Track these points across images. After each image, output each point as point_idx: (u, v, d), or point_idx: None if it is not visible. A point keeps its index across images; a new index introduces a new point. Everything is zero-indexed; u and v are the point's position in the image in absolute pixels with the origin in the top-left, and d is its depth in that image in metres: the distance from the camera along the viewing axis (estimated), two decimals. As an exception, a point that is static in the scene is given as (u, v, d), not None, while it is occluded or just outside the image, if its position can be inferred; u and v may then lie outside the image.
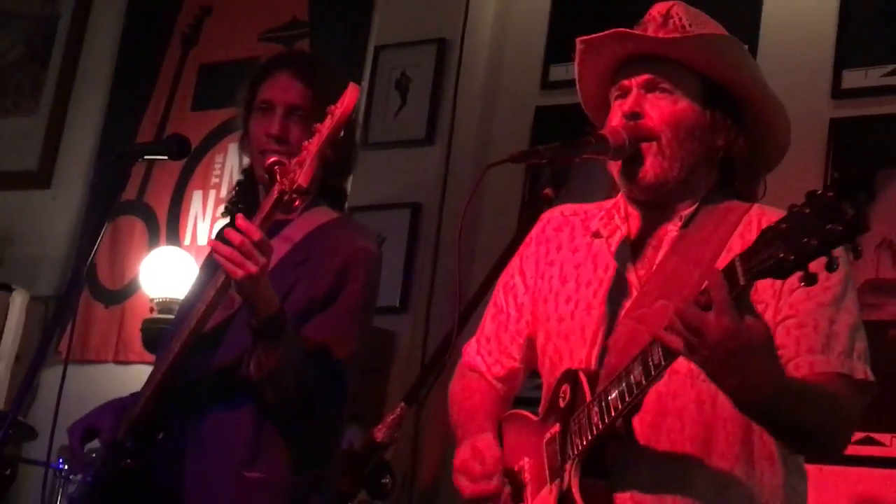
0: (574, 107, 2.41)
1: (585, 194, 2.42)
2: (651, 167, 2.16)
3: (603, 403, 1.99)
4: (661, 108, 2.19)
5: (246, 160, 3.10)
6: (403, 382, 4.06)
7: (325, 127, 2.53)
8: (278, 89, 2.92)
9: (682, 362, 1.99)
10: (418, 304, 4.20)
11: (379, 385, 3.96)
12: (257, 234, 2.50)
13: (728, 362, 1.83)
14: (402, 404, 2.01)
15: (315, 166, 2.54)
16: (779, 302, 2.08)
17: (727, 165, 2.22)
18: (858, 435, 3.37)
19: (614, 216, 2.28)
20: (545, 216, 2.38)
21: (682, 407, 2.04)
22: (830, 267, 1.69)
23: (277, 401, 2.68)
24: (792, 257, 1.70)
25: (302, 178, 2.50)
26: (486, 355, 2.40)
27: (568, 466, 2.05)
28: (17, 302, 5.38)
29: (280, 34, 5.03)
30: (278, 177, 2.54)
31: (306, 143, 2.54)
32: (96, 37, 5.79)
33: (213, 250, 2.57)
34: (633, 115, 2.18)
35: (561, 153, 2.15)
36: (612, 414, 1.97)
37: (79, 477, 3.26)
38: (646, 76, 2.22)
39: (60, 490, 3.68)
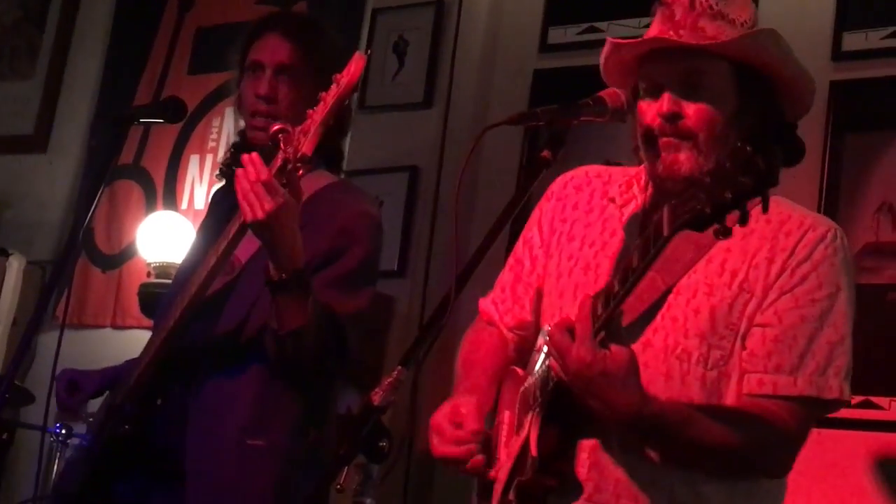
0: (573, 70, 2.42)
1: (586, 158, 2.43)
2: (686, 160, 2.12)
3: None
4: (699, 109, 2.15)
5: (242, 123, 3.10)
6: (402, 346, 4.06)
7: (331, 96, 2.52)
8: (267, 50, 2.93)
9: (658, 337, 2.07)
10: (416, 268, 4.21)
11: (377, 349, 3.97)
12: (266, 174, 2.50)
13: (586, 387, 1.95)
14: (400, 367, 2.01)
15: (319, 135, 2.52)
16: (765, 299, 2.08)
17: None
18: (857, 399, 3.37)
19: (633, 185, 2.27)
20: (568, 177, 2.39)
21: (651, 379, 2.03)
22: (742, 221, 1.73)
23: (296, 358, 2.68)
24: (708, 210, 1.74)
25: (306, 146, 2.50)
26: (499, 304, 2.42)
27: (529, 416, 2.08)
28: (14, 266, 5.39)
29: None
30: (282, 145, 2.53)
31: (311, 111, 2.53)
32: (92, 0, 5.76)
33: (236, 180, 2.55)
34: (673, 117, 2.13)
35: (559, 115, 2.16)
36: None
37: (74, 441, 3.26)
38: (679, 74, 2.17)
39: (58, 454, 3.69)
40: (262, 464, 2.73)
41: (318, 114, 2.52)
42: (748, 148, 1.76)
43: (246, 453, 2.72)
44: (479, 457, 2.11)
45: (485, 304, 2.45)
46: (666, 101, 2.14)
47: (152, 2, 5.46)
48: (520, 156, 4.14)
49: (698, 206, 1.76)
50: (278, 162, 2.55)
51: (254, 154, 2.56)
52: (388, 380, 1.98)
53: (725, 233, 1.76)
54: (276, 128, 2.57)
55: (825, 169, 3.62)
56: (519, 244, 2.43)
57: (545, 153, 2.17)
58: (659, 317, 2.09)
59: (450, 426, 2.12)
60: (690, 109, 2.13)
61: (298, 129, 2.53)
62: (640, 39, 2.20)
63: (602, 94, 2.23)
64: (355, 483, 2.03)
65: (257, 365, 2.74)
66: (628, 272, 1.91)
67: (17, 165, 5.73)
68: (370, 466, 1.93)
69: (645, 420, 1.96)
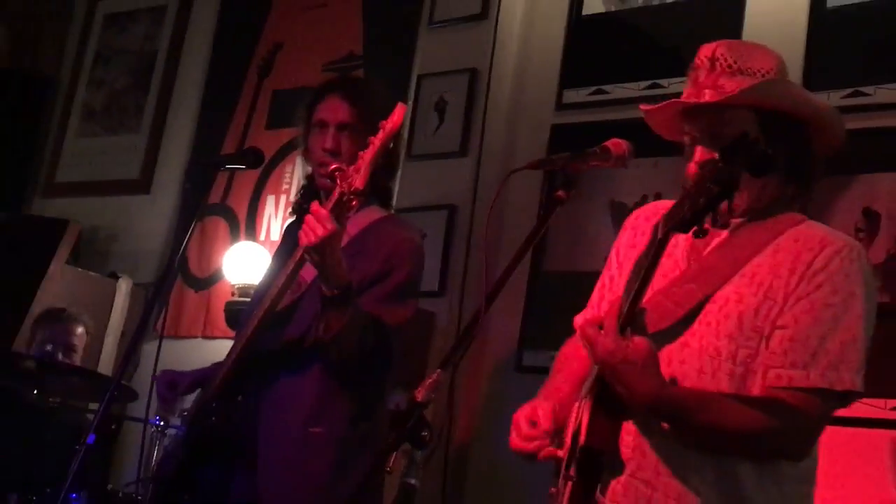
0: (584, 125, 2.42)
1: (594, 198, 2.43)
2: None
3: None
4: None
5: (308, 169, 3.12)
6: (441, 354, 4.06)
7: (378, 139, 2.56)
8: (330, 110, 2.94)
9: (695, 339, 2.03)
10: (453, 289, 4.20)
11: (420, 356, 3.97)
12: (324, 211, 2.56)
13: (611, 373, 1.93)
14: (439, 370, 2.01)
15: (369, 172, 2.56)
16: (785, 304, 2.02)
17: (790, 171, 2.13)
18: (877, 400, 3.29)
19: None
20: (644, 209, 2.38)
21: (686, 373, 2.02)
22: (713, 223, 1.78)
23: (340, 360, 2.70)
24: (688, 215, 1.76)
25: (359, 181, 2.54)
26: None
27: (580, 404, 2.07)
28: (123, 288, 5.41)
29: (339, 65, 5.03)
30: (339, 181, 2.57)
31: (362, 152, 2.57)
32: (187, 68, 5.82)
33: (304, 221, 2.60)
34: (705, 165, 2.09)
35: (571, 161, 2.18)
36: None
37: (171, 431, 3.27)
38: (705, 128, 2.14)
39: (157, 443, 3.69)
40: (321, 449, 2.74)
41: (367, 154, 2.56)
42: (716, 158, 1.79)
43: (308, 440, 2.73)
44: (549, 450, 2.09)
45: (578, 319, 2.41)
46: (698, 153, 2.12)
47: (236, 70, 5.48)
48: (539, 196, 4.14)
49: (681, 212, 1.79)
50: (335, 195, 2.58)
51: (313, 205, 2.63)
52: (430, 380, 1.98)
53: (703, 233, 1.78)
54: (333, 167, 2.63)
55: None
56: (604, 270, 2.40)
57: (560, 193, 2.18)
58: (696, 322, 2.05)
59: (526, 424, 2.10)
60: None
61: (352, 167, 2.56)
62: (661, 105, 2.20)
63: (607, 143, 2.22)
64: (402, 466, 2.03)
65: (318, 366, 2.76)
66: (639, 271, 1.93)
67: (126, 204, 5.76)
68: (414, 452, 1.93)
69: (663, 402, 1.94)
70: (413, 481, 2.06)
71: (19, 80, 6.29)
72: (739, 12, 3.97)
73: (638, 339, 1.91)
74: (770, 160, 2.11)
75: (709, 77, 2.14)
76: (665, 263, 2.12)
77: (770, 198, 2.11)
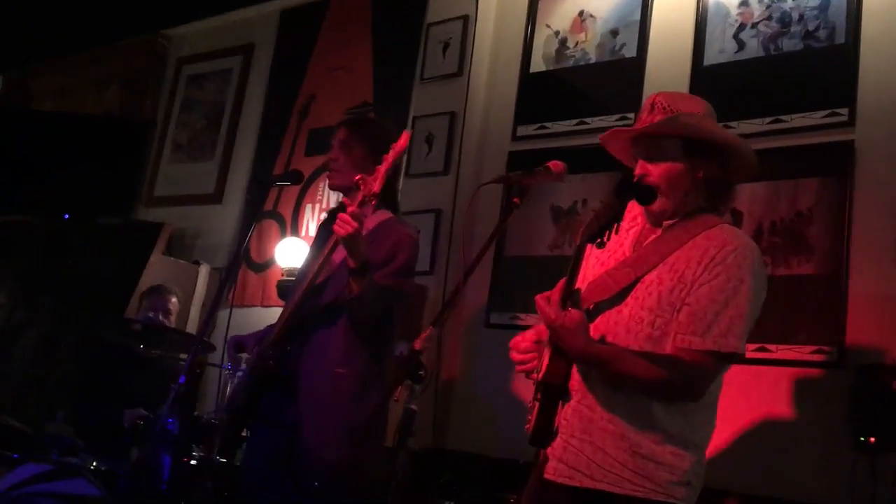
0: (531, 151, 2.42)
1: (539, 203, 2.43)
2: (658, 203, 2.09)
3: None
4: (658, 169, 2.10)
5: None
6: (431, 315, 4.06)
7: (390, 156, 2.60)
8: (336, 135, 3.01)
9: (626, 308, 2.04)
10: (440, 269, 4.20)
11: (417, 318, 3.97)
12: (353, 208, 2.61)
13: (554, 334, 1.98)
14: (431, 327, 2.01)
15: (384, 181, 2.59)
16: (692, 287, 2.00)
17: (709, 186, 2.10)
18: (755, 345, 3.26)
19: (638, 217, 2.21)
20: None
21: (617, 332, 2.04)
22: (601, 245, 1.98)
23: (361, 314, 2.72)
24: (596, 229, 1.92)
25: (376, 187, 2.58)
26: None
27: (547, 348, 2.07)
28: (203, 272, 5.41)
29: (357, 110, 5.01)
30: (362, 186, 2.58)
31: (378, 167, 2.60)
32: (247, 113, 5.79)
33: (338, 218, 2.63)
34: (642, 177, 2.09)
35: (524, 177, 2.18)
36: None
37: (238, 374, 3.27)
38: (645, 151, 2.13)
39: (228, 382, 3.66)
40: (344, 384, 2.74)
41: (382, 167, 2.59)
42: (611, 196, 1.96)
43: (335, 377, 2.74)
44: (532, 363, 2.13)
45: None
46: (638, 168, 2.12)
47: (282, 114, 5.44)
48: (500, 202, 4.11)
49: (592, 228, 1.96)
50: (359, 197, 2.61)
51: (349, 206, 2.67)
52: (424, 335, 1.99)
53: (602, 244, 1.95)
54: (357, 177, 2.63)
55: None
56: None
57: (516, 199, 2.17)
58: (629, 296, 2.04)
59: (517, 343, 2.15)
60: (652, 169, 2.09)
61: (371, 177, 2.59)
62: (610, 132, 2.22)
63: (549, 164, 2.22)
64: (405, 396, 2.02)
65: (344, 324, 2.76)
66: (569, 265, 1.99)
67: (204, 211, 5.73)
68: (414, 386, 1.92)
69: (589, 355, 1.98)
70: (413, 407, 2.05)
71: (127, 124, 6.28)
72: (641, 70, 3.97)
73: (573, 310, 1.95)
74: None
75: (649, 116, 2.14)
76: (617, 249, 2.15)
77: (693, 205, 2.08)
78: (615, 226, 1.91)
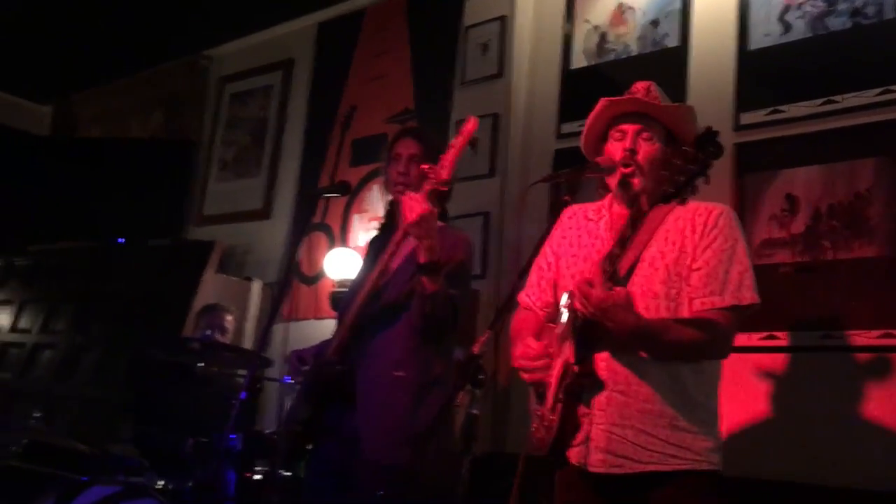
0: (577, 148, 2.40)
1: (588, 198, 2.41)
2: (639, 183, 2.16)
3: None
4: (646, 148, 2.19)
5: (387, 195, 3.11)
6: (484, 320, 4.06)
7: (458, 143, 2.56)
8: (403, 147, 2.93)
9: (636, 287, 2.09)
10: (490, 272, 4.20)
11: (470, 321, 3.96)
12: (420, 195, 2.56)
13: (604, 315, 1.97)
14: (488, 331, 2.00)
15: (452, 168, 2.54)
16: (695, 254, 2.10)
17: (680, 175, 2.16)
18: (763, 333, 3.31)
19: (602, 209, 2.29)
20: (566, 211, 2.39)
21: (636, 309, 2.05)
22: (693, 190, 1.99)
23: (433, 315, 2.65)
24: (671, 189, 1.91)
25: (445, 174, 2.55)
26: (531, 295, 2.40)
27: (566, 345, 2.08)
28: (255, 287, 5.44)
29: (398, 118, 5.03)
30: (429, 175, 2.55)
31: (442, 155, 2.56)
32: (291, 128, 5.83)
33: (403, 201, 2.58)
34: (632, 152, 2.17)
35: (573, 174, 2.17)
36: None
37: (297, 384, 3.28)
38: (638, 126, 2.22)
39: (287, 396, 3.69)
40: (401, 388, 2.71)
41: (450, 154, 2.55)
42: (691, 150, 1.90)
43: (392, 381, 2.71)
44: (545, 363, 2.12)
45: (522, 297, 2.43)
46: (628, 141, 2.21)
47: (325, 126, 5.47)
48: (548, 202, 4.09)
49: (664, 187, 1.91)
50: (427, 187, 2.57)
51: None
52: (482, 338, 1.98)
53: (683, 200, 1.96)
54: (425, 166, 2.58)
55: (734, 195, 3.55)
56: (539, 258, 2.39)
57: (566, 197, 2.17)
58: (634, 275, 2.11)
59: (530, 350, 2.14)
60: (640, 148, 2.20)
61: (437, 166, 2.56)
62: (624, 97, 2.25)
63: (598, 159, 2.22)
64: (466, 401, 2.02)
65: (402, 326, 2.73)
66: (623, 240, 2.00)
67: (254, 227, 5.78)
68: (474, 390, 1.92)
69: (641, 330, 2.00)
70: (475, 411, 2.04)
71: (173, 145, 6.38)
72: (684, 59, 3.92)
73: (618, 288, 1.97)
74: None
75: (647, 97, 2.25)
76: (593, 242, 2.24)
77: (665, 189, 2.10)
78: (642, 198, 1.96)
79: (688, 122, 2.22)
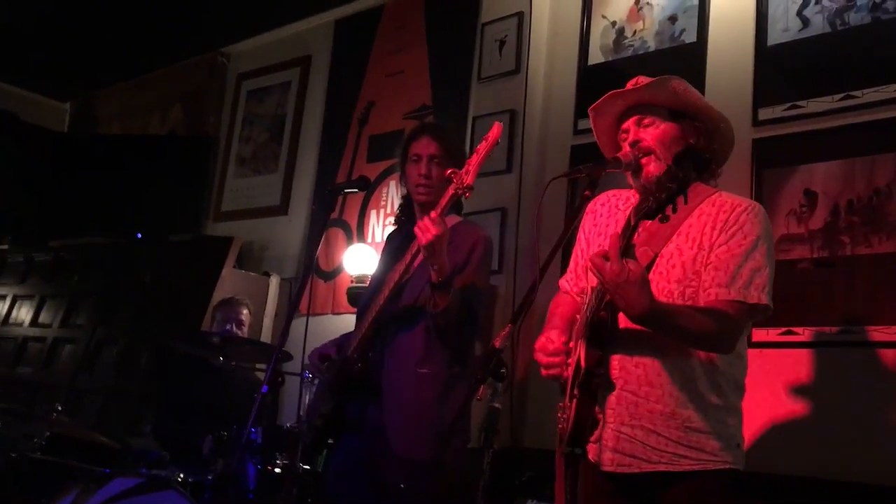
0: (594, 144, 2.40)
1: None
2: (654, 169, 2.15)
3: (594, 304, 2.02)
4: (650, 133, 2.20)
5: (402, 190, 3.11)
6: (503, 315, 4.06)
7: (483, 148, 2.55)
8: (423, 146, 2.92)
9: (653, 285, 2.00)
10: (508, 267, 4.19)
11: (489, 316, 3.96)
12: (435, 214, 2.56)
13: (615, 290, 1.88)
14: (509, 325, 2.01)
15: (476, 173, 2.52)
16: (710, 250, 2.07)
17: (693, 164, 2.15)
18: (782, 328, 3.29)
19: (631, 198, 2.30)
20: (599, 197, 2.39)
21: None
22: (673, 210, 1.79)
23: (446, 325, 2.69)
24: (654, 206, 1.80)
25: (469, 179, 2.52)
26: (570, 280, 2.42)
27: (580, 342, 2.06)
28: (273, 282, 5.48)
29: (416, 114, 5.04)
30: (454, 180, 2.52)
31: (468, 160, 2.54)
32: (308, 124, 5.84)
33: (418, 226, 2.58)
34: (635, 143, 2.20)
35: (593, 169, 2.16)
36: (595, 308, 2.02)
37: (316, 380, 3.29)
38: (634, 118, 2.23)
39: (306, 391, 3.67)
40: (427, 384, 2.74)
41: (475, 159, 2.53)
42: (672, 166, 1.86)
43: (417, 377, 2.73)
44: (559, 369, 2.10)
45: (561, 282, 2.45)
46: (630, 136, 2.22)
47: (343, 123, 5.48)
48: (566, 198, 4.09)
49: (648, 203, 1.81)
50: (450, 191, 2.55)
51: (430, 213, 2.60)
52: (504, 332, 1.98)
53: (665, 218, 1.81)
54: (449, 171, 2.57)
55: (752, 190, 3.54)
56: (575, 245, 2.43)
57: (587, 192, 2.16)
58: (651, 272, 2.06)
59: (549, 344, 2.12)
60: (645, 135, 2.20)
61: (462, 171, 2.53)
62: (601, 98, 2.30)
63: (618, 154, 2.22)
64: (487, 394, 2.02)
65: (423, 325, 2.75)
66: (632, 215, 1.91)
67: (271, 223, 5.80)
68: (496, 384, 1.92)
69: (655, 312, 1.92)
70: (497, 405, 2.04)
71: (191, 141, 6.40)
72: (702, 55, 3.91)
73: (633, 263, 1.88)
74: (708, 162, 2.18)
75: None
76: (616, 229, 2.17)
77: (648, 208, 2.10)
78: (680, 198, 1.88)
79: (671, 93, 2.19)
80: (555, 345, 2.11)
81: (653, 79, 2.23)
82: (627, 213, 2.21)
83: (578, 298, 2.35)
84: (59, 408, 3.65)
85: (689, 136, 2.18)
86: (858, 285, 3.22)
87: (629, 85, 2.27)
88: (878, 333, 3.14)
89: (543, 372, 2.13)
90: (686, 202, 1.82)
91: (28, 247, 6.42)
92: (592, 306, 2.03)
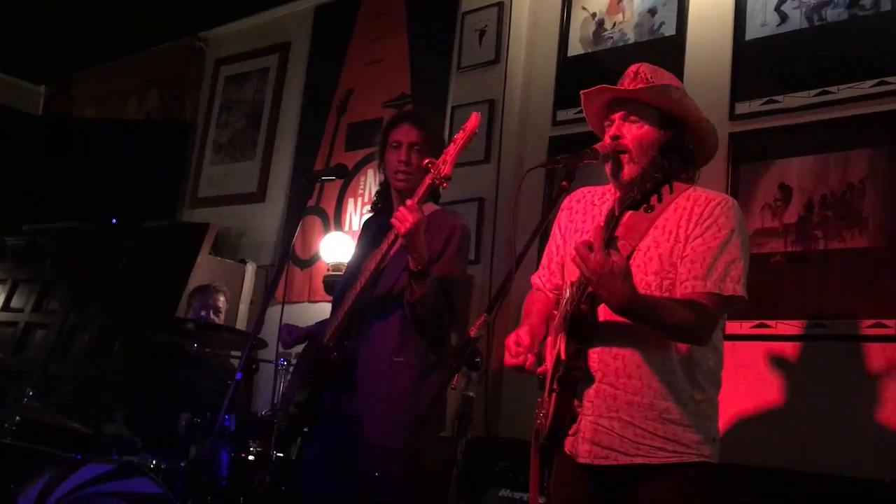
0: (572, 136, 2.40)
1: (588, 184, 2.41)
2: (627, 169, 2.15)
3: (576, 296, 2.02)
4: (632, 132, 2.19)
5: (380, 177, 3.09)
6: (479, 305, 4.06)
7: (460, 139, 2.52)
8: (403, 133, 2.91)
9: (643, 277, 2.05)
10: (485, 257, 4.19)
11: (466, 307, 3.96)
12: (411, 202, 2.54)
13: (598, 281, 1.87)
14: (485, 314, 2.00)
15: (452, 163, 2.51)
16: (686, 243, 2.07)
17: (678, 159, 2.18)
18: (754, 321, 3.32)
19: (606, 194, 2.29)
20: (575, 194, 2.38)
21: None
22: (658, 200, 1.80)
23: (423, 314, 2.68)
24: (639, 196, 1.79)
25: (446, 169, 2.50)
26: (542, 277, 2.40)
27: (560, 336, 2.06)
28: (249, 270, 5.44)
29: (395, 102, 5.02)
30: (431, 170, 2.52)
31: (446, 149, 2.53)
32: (286, 111, 5.81)
33: (395, 216, 2.56)
34: (615, 137, 2.19)
35: (571, 160, 2.15)
36: (576, 301, 2.02)
37: (291, 368, 3.27)
38: (622, 112, 2.21)
39: (281, 378, 3.66)
40: (402, 373, 2.72)
41: (452, 149, 2.51)
42: (659, 157, 1.91)
43: (392, 366, 2.72)
44: (531, 360, 2.09)
45: (534, 278, 2.43)
46: (613, 128, 2.21)
47: (321, 110, 5.46)
48: (543, 189, 4.09)
49: (633, 195, 1.81)
50: (427, 181, 2.54)
51: (406, 202, 2.58)
52: (479, 321, 1.98)
53: (650, 209, 1.81)
54: (426, 161, 2.56)
55: (728, 184, 3.56)
56: (549, 241, 2.42)
57: (564, 183, 2.16)
58: (630, 265, 2.03)
59: (513, 345, 2.10)
60: (626, 132, 2.19)
61: (440, 160, 2.52)
62: (594, 88, 2.27)
63: (595, 146, 2.21)
64: (462, 383, 2.01)
65: (399, 314, 2.74)
66: (615, 208, 1.91)
67: (248, 210, 5.76)
68: (470, 373, 1.92)
69: (636, 304, 1.92)
70: (471, 394, 2.04)
71: (168, 127, 6.34)
72: (681, 48, 3.92)
73: (616, 255, 1.89)
74: (692, 154, 2.18)
75: (632, 83, 2.23)
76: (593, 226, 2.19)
77: (633, 199, 2.10)
78: (665, 187, 1.88)
79: (669, 100, 2.18)
80: (522, 344, 2.09)
81: (654, 72, 2.24)
82: (604, 209, 2.22)
83: (551, 295, 2.35)
84: (31, 393, 3.62)
85: (668, 141, 2.17)
86: (831, 279, 3.25)
87: (629, 72, 2.26)
88: (849, 327, 3.17)
89: (505, 362, 2.12)
90: (672, 191, 1.83)
91: (0, 230, 6.34)
92: (573, 299, 2.03)
